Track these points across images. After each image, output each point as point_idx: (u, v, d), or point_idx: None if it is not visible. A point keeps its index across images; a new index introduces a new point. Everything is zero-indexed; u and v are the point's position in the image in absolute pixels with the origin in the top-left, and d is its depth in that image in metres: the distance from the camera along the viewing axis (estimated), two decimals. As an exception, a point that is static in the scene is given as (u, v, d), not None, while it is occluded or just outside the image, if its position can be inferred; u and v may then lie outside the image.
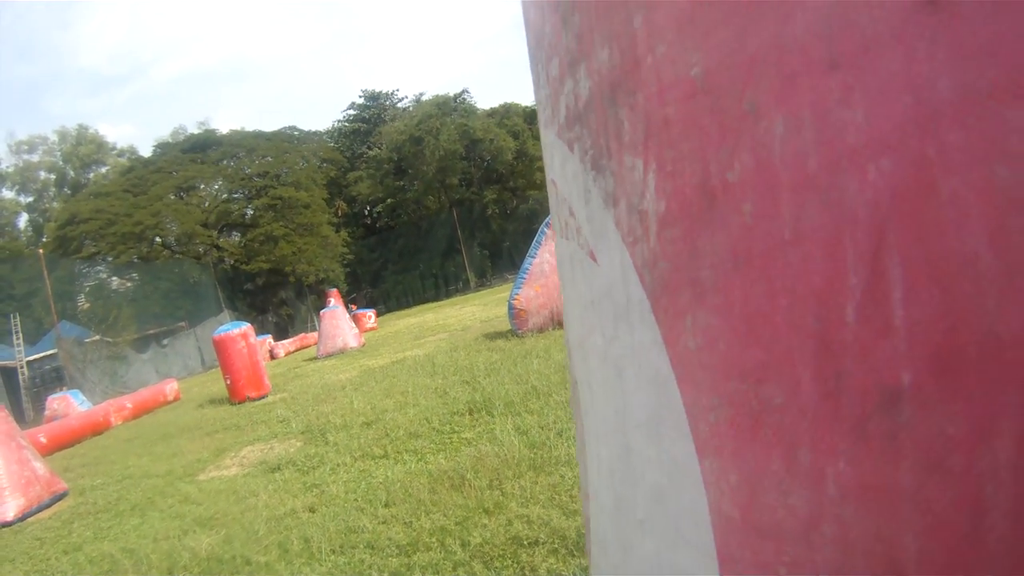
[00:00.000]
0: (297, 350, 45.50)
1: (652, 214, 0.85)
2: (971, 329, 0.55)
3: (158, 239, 68.70)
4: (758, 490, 0.71)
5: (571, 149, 1.10)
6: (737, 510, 0.75)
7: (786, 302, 0.67)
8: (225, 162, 75.65)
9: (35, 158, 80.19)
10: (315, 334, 40.28)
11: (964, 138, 0.56)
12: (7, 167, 78.10)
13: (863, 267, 0.61)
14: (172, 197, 70.12)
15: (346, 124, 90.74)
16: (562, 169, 1.16)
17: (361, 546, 6.06)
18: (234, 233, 76.03)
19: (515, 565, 5.01)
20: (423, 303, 72.40)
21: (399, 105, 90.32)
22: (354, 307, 51.45)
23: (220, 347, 20.77)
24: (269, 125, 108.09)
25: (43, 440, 18.51)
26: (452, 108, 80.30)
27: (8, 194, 78.03)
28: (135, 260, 65.43)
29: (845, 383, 0.62)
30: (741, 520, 0.74)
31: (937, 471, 0.57)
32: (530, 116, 76.50)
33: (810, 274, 0.65)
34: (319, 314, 33.06)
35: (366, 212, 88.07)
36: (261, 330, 47.32)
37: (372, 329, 42.73)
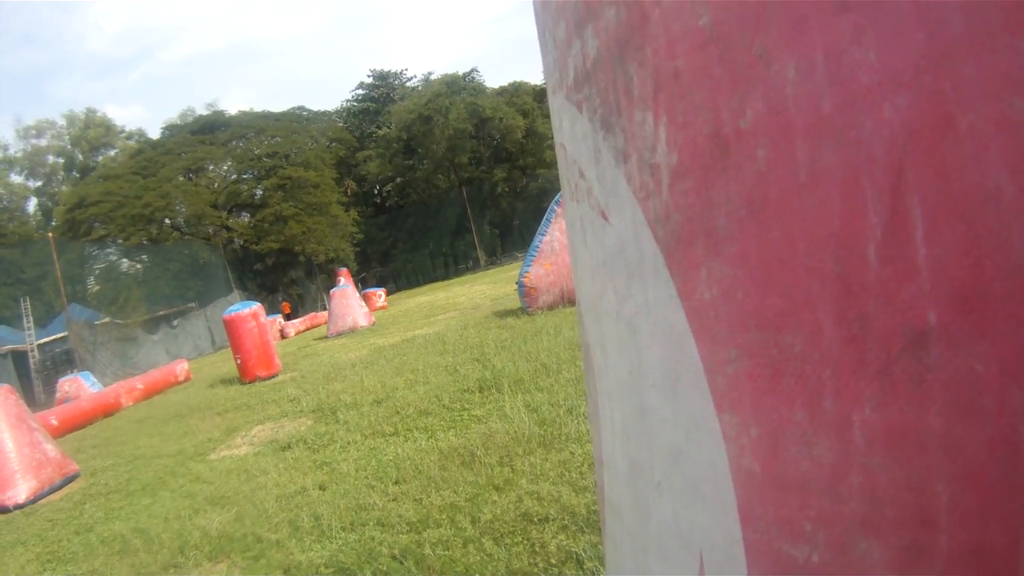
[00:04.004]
0: (307, 329, 45.59)
1: (664, 167, 0.84)
2: (997, 264, 0.53)
3: (167, 221, 68.87)
4: (781, 442, 0.70)
5: (580, 110, 1.09)
6: (759, 464, 0.73)
7: (804, 247, 0.65)
8: (234, 143, 75.71)
9: (43, 142, 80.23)
10: (325, 313, 40.35)
11: (979, 71, 0.55)
12: (15, 152, 78.19)
13: (883, 206, 0.59)
14: (181, 179, 70.33)
15: (355, 104, 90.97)
16: (571, 131, 1.15)
17: (371, 523, 6.08)
18: (244, 214, 76.17)
19: (525, 541, 5.02)
20: (433, 282, 72.63)
21: (408, 84, 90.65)
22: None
23: (230, 327, 20.81)
24: (278, 106, 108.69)
25: (54, 422, 18.55)
26: (461, 87, 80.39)
27: (17, 179, 78.09)
28: (145, 242, 65.55)
29: (869, 326, 0.61)
30: (763, 475, 0.73)
31: (967, 413, 0.56)
32: (540, 94, 76.51)
33: (829, 216, 0.63)
34: (329, 293, 33.11)
35: (376, 191, 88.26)
36: (271, 310, 47.43)
37: (382, 308, 42.82)
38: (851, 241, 0.61)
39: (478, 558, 4.98)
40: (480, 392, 10.23)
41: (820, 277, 0.64)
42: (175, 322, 57.02)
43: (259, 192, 74.00)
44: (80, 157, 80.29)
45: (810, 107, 0.64)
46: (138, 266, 66.96)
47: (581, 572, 4.44)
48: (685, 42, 0.78)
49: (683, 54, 0.79)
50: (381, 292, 47.79)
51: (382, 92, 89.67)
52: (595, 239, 1.10)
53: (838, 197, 0.62)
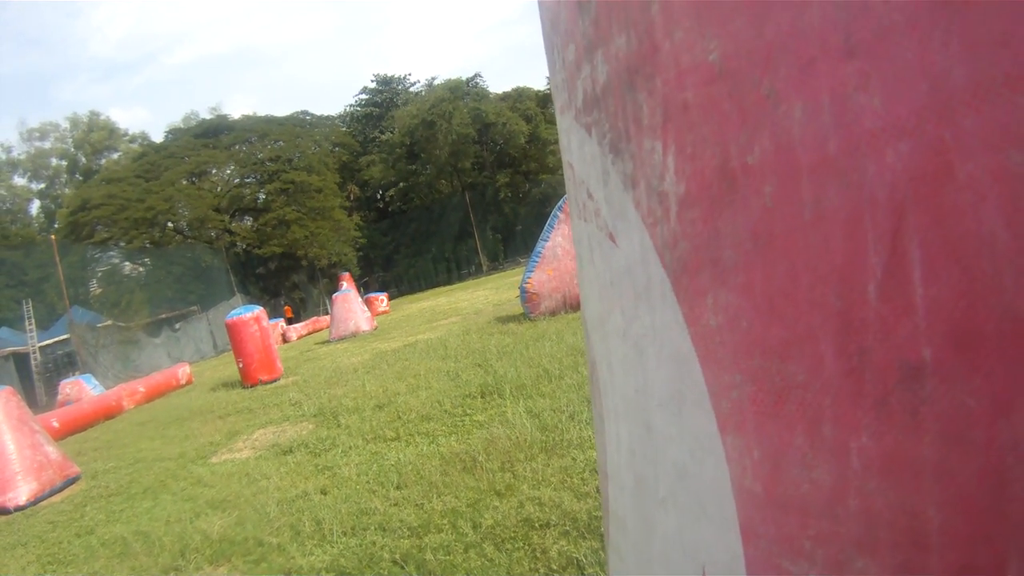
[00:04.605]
0: (309, 333, 45.47)
1: (672, 196, 0.86)
2: (990, 306, 0.56)
3: (170, 224, 68.78)
4: (782, 465, 0.73)
5: (589, 133, 1.11)
6: (760, 485, 0.76)
7: (808, 281, 0.68)
8: (237, 147, 75.58)
9: (47, 145, 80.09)
10: (327, 317, 40.27)
11: (979, 124, 0.57)
12: (19, 154, 78.13)
13: (883, 247, 0.62)
14: (184, 182, 70.16)
15: (358, 108, 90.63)
16: (580, 152, 1.17)
17: (373, 528, 6.08)
18: (246, 217, 76.05)
19: (526, 547, 5.02)
20: (435, 287, 72.43)
21: (411, 89, 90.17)
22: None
23: (233, 331, 20.78)
24: (281, 110, 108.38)
25: (56, 424, 18.49)
26: (464, 92, 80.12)
27: (20, 181, 78.01)
28: (147, 245, 65.43)
29: (867, 359, 0.64)
30: (765, 495, 0.75)
31: (959, 443, 0.59)
32: (543, 100, 76.34)
33: (831, 254, 0.66)
34: (331, 298, 33.04)
35: (378, 196, 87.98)
36: (274, 314, 47.33)
37: (384, 313, 42.69)
38: (852, 278, 0.64)
39: (479, 563, 4.99)
40: (482, 397, 10.21)
41: (822, 311, 0.67)
42: (177, 325, 56.79)
43: (262, 196, 73.86)
44: (83, 160, 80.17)
45: (816, 148, 0.67)
46: (140, 269, 66.83)
47: (582, 578, 4.46)
48: (695, 76, 0.81)
49: (692, 87, 0.81)
50: (383, 297, 47.66)
51: (385, 97, 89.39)
52: (602, 259, 1.12)
53: (841, 236, 0.65)
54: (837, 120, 0.65)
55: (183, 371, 29.53)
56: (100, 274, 65.90)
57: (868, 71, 0.63)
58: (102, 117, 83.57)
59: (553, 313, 17.12)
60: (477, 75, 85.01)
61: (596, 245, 1.14)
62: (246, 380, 20.25)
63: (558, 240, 16.99)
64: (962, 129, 0.58)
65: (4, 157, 76.64)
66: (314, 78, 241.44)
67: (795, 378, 0.70)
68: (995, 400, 0.56)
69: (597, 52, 1.03)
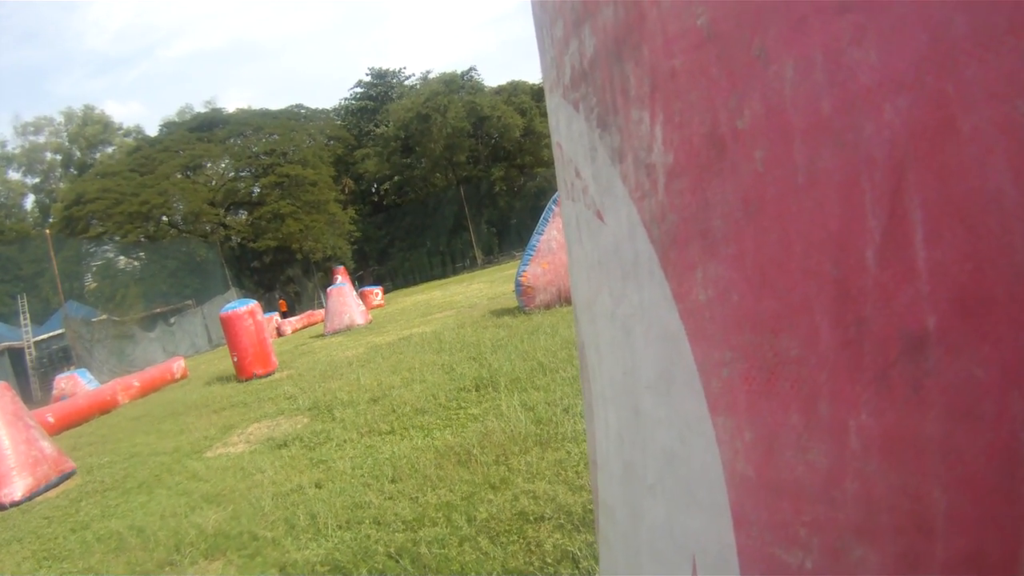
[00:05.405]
0: (304, 327, 45.62)
1: (660, 167, 0.83)
2: (998, 268, 0.53)
3: (165, 218, 68.80)
4: (775, 447, 0.70)
5: (576, 109, 1.08)
6: (752, 469, 0.73)
7: (801, 249, 0.65)
8: (232, 141, 75.60)
9: (41, 139, 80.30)
10: (322, 311, 40.39)
11: (983, 74, 0.54)
12: (13, 149, 78.35)
13: (882, 209, 0.59)
14: (179, 176, 70.20)
15: (353, 102, 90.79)
16: (568, 130, 1.15)
17: (367, 521, 6.08)
18: (241, 211, 76.12)
19: (521, 540, 5.01)
20: (430, 280, 72.61)
21: (406, 83, 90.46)
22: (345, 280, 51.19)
23: (227, 325, 20.80)
24: (276, 104, 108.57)
25: (51, 419, 18.57)
26: (459, 86, 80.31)
27: (14, 175, 78.17)
28: (142, 239, 65.45)
29: (866, 330, 0.60)
30: (757, 479, 0.72)
31: (966, 419, 0.55)
32: (538, 94, 76.47)
33: (826, 219, 0.63)
34: (326, 291, 33.12)
35: (373, 189, 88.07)
36: (268, 308, 47.45)
37: (379, 306, 42.83)
38: (849, 244, 0.61)
39: (474, 557, 4.98)
40: (476, 391, 10.23)
41: (817, 280, 0.64)
42: (172, 320, 56.93)
43: (257, 190, 73.97)
44: (78, 154, 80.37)
45: (809, 108, 0.64)
46: (135, 263, 66.92)
47: (577, 571, 4.44)
48: (682, 41, 0.78)
49: (680, 53, 0.78)
50: (378, 290, 47.74)
51: (380, 91, 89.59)
52: (590, 238, 1.09)
53: (836, 199, 0.62)
54: (831, 78, 0.62)
55: (178, 365, 29.68)
56: (95, 268, 65.94)
57: (863, 24, 0.60)
58: (97, 111, 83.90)
59: (548, 306, 17.16)
60: (472, 69, 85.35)
61: (584, 224, 1.12)
62: (241, 374, 20.30)
63: (553, 234, 17.03)
64: (965, 80, 0.55)
65: (-1, 152, 76.82)
66: (309, 72, 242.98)
67: (789, 353, 0.67)
68: (1005, 370, 0.53)
69: (585, 26, 1.00)
